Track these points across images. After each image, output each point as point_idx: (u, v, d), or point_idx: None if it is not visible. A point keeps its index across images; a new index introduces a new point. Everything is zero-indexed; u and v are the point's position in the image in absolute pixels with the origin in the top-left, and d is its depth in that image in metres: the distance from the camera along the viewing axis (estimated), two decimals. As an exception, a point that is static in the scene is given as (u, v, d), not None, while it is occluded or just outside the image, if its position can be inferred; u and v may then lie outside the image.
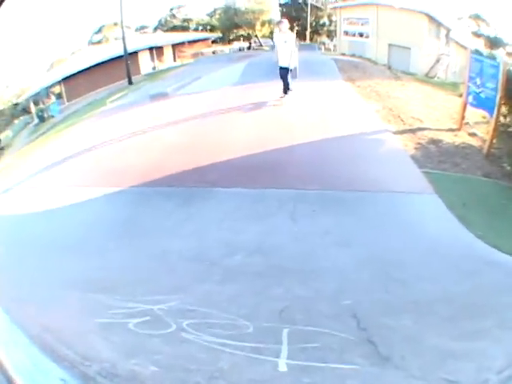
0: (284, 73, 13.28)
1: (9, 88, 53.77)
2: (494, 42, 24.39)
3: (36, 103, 39.79)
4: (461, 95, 14.56)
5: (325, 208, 6.21)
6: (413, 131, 9.76)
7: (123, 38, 30.51)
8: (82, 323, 4.37)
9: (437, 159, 8.22)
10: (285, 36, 14.03)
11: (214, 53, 39.06)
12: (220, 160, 9.05)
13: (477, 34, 26.59)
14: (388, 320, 4.01)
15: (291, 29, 38.11)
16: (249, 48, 38.09)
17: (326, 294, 4.15)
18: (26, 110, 45.57)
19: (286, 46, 13.19)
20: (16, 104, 48.05)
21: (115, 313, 4.39)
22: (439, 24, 24.08)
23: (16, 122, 44.54)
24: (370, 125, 10.16)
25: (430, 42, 24.23)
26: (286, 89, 13.88)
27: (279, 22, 16.77)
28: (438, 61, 24.26)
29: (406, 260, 4.80)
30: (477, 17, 29.16)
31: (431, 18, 23.74)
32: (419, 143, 9.01)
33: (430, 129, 10.02)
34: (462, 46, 25.05)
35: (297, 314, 4.15)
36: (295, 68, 13.94)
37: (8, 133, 36.30)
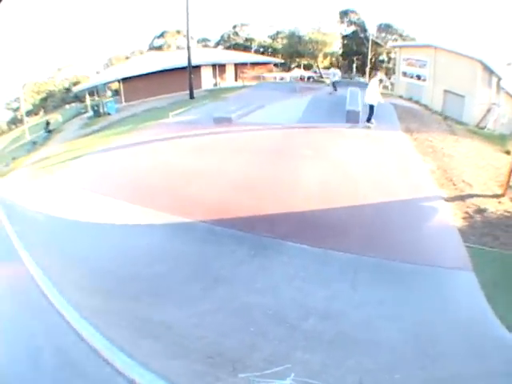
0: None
1: (61, 71, 55.24)
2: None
3: (91, 94, 41.23)
4: (508, 152, 15.10)
5: (380, 278, 6.93)
6: (462, 198, 10.12)
7: (188, 49, 33.32)
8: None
9: (480, 231, 8.40)
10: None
11: (275, 78, 39.61)
12: (287, 211, 9.54)
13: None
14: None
15: (352, 63, 39.08)
16: (309, 78, 38.66)
17: (383, 365, 4.89)
18: (78, 98, 47.11)
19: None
20: (68, 89, 49.64)
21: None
22: (491, 72, 25.62)
23: (67, 107, 46.04)
24: (426, 189, 10.78)
25: (483, 90, 25.98)
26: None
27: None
28: (488, 111, 25.85)
29: (439, 337, 5.36)
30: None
31: (484, 66, 25.40)
32: (467, 212, 9.30)
33: (477, 195, 10.27)
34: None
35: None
36: (357, 112, 16.06)
37: (57, 117, 37.65)
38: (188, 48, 33.23)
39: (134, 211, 10.44)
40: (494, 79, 25.61)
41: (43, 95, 63.11)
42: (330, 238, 8.27)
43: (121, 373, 4.67)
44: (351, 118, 18.43)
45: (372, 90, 16.81)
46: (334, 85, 28.99)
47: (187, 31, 34.28)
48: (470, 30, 31.86)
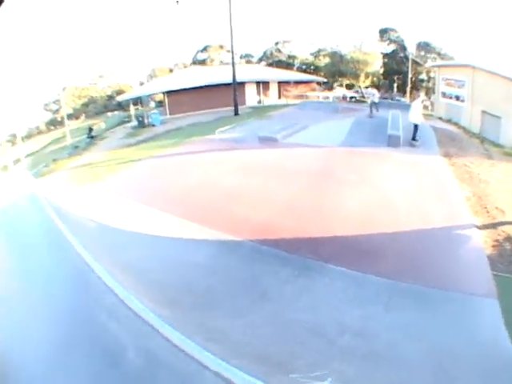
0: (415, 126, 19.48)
1: (103, 78, 56.76)
2: None
3: (134, 104, 42.36)
4: None
5: (411, 302, 7.48)
6: (494, 226, 10.39)
7: (233, 66, 34.36)
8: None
9: (508, 259, 8.71)
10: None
11: (318, 97, 40.06)
12: (329, 234, 10.09)
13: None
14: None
15: (392, 82, 39.41)
16: (351, 98, 39.05)
17: (404, 380, 5.59)
18: (121, 107, 48.31)
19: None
20: (111, 96, 50.88)
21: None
22: None
23: (109, 114, 47.12)
24: (461, 217, 11.18)
25: None
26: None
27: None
28: None
29: (458, 358, 5.91)
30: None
31: None
32: (497, 240, 9.60)
33: (509, 222, 10.55)
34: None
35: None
36: (398, 137, 19.37)
37: (100, 124, 38.67)
38: (233, 64, 34.45)
39: (181, 225, 11.20)
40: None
41: (84, 100, 65.16)
42: (369, 262, 8.87)
43: (206, 367, 5.46)
44: (393, 141, 19.34)
45: (415, 111, 19.26)
46: (374, 106, 27.92)
47: (231, 47, 35.41)
48: (506, 48, 31.66)
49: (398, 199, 12.40)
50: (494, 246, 9.49)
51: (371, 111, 27.80)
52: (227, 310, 7.39)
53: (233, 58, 35.20)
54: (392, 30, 43.38)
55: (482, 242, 9.70)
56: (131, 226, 11.37)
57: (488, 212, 11.45)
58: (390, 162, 16.42)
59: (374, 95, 29.32)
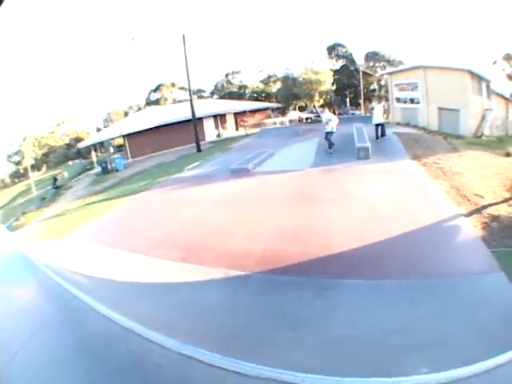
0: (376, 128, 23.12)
1: (60, 127, 56.45)
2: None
3: (95, 150, 42.43)
4: (508, 154, 17.95)
5: (428, 294, 7.96)
6: (478, 210, 11.35)
7: (191, 103, 35.41)
8: None
9: (499, 235, 9.57)
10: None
11: (275, 123, 40.91)
12: (331, 252, 10.22)
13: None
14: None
15: (345, 97, 40.62)
16: (307, 119, 39.86)
17: (461, 353, 5.75)
18: (81, 154, 48.17)
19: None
20: (69, 145, 50.73)
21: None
22: (480, 78, 27.53)
23: (70, 163, 47.02)
24: (446, 210, 11.95)
25: (475, 99, 27.77)
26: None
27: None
28: (483, 118, 27.95)
29: (490, 327, 6.41)
30: (509, 57, 31.06)
31: (473, 74, 27.27)
32: (485, 222, 10.49)
33: (490, 205, 11.58)
34: (503, 97, 29.44)
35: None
36: (367, 148, 19.96)
37: (64, 173, 38.65)
38: (191, 101, 35.59)
39: (180, 268, 10.77)
40: (484, 84, 27.51)
41: (45, 150, 64.38)
42: (378, 269, 9.18)
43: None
44: (362, 154, 20.03)
45: (378, 113, 23.00)
46: (329, 139, 21.64)
47: (188, 84, 36.54)
48: (454, 40, 33.18)
49: (383, 206, 12.90)
50: (483, 228, 10.32)
51: (330, 146, 21.91)
52: (276, 343, 6.93)
53: (191, 94, 36.34)
54: (339, 45, 44.94)
55: (472, 227, 10.49)
56: (127, 276, 10.65)
57: (469, 200, 12.34)
58: (365, 174, 17.14)
59: (329, 122, 21.70)
